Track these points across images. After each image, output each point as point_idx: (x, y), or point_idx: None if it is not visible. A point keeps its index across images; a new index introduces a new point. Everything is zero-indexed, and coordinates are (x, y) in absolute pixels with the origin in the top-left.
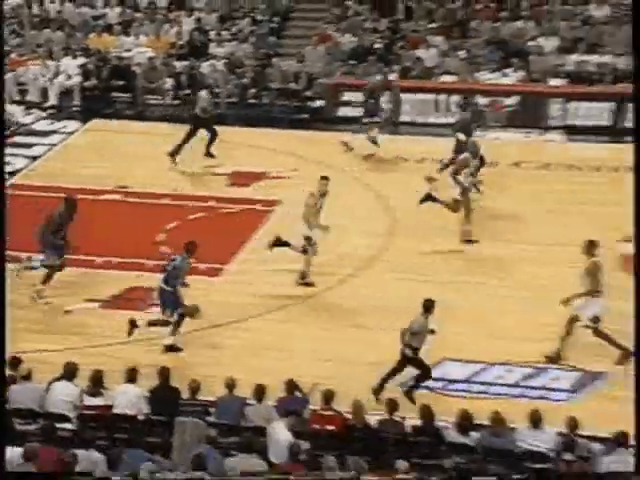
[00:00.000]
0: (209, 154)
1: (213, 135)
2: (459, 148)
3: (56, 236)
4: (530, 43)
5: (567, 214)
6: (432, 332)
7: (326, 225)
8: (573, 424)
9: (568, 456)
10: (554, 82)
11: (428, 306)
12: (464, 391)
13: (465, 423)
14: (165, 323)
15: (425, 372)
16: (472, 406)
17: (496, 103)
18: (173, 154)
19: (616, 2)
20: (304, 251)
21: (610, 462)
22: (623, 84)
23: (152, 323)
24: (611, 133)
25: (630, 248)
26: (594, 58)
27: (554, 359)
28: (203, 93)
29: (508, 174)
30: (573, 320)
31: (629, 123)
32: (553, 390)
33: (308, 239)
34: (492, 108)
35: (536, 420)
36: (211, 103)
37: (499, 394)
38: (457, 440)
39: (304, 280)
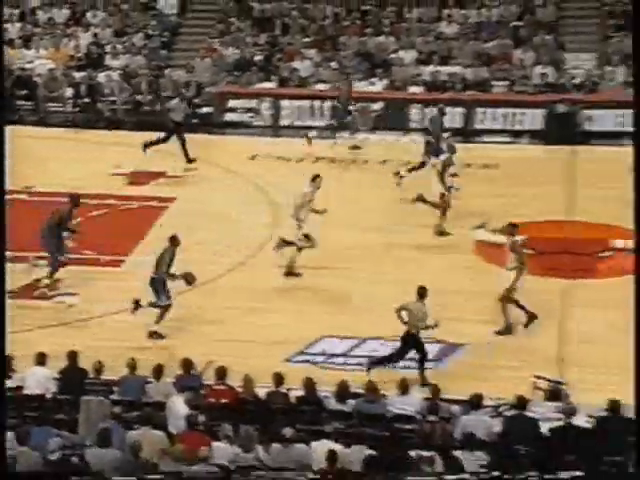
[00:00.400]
0: (148, 146)
1: (165, 139)
2: (428, 150)
3: (58, 233)
4: (392, 55)
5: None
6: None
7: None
8: (436, 390)
9: (432, 417)
10: (413, 89)
11: (422, 293)
12: (342, 364)
13: (343, 392)
14: (165, 307)
15: (398, 355)
16: (349, 377)
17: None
18: (188, 160)
19: (463, 21)
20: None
21: (467, 421)
22: (471, 91)
23: (152, 304)
24: (462, 134)
25: (483, 234)
26: (446, 69)
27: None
28: (176, 101)
29: (377, 171)
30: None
31: (478, 125)
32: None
33: (306, 235)
34: (361, 112)
35: (404, 387)
36: (183, 110)
37: None
38: (336, 408)
39: (291, 270)
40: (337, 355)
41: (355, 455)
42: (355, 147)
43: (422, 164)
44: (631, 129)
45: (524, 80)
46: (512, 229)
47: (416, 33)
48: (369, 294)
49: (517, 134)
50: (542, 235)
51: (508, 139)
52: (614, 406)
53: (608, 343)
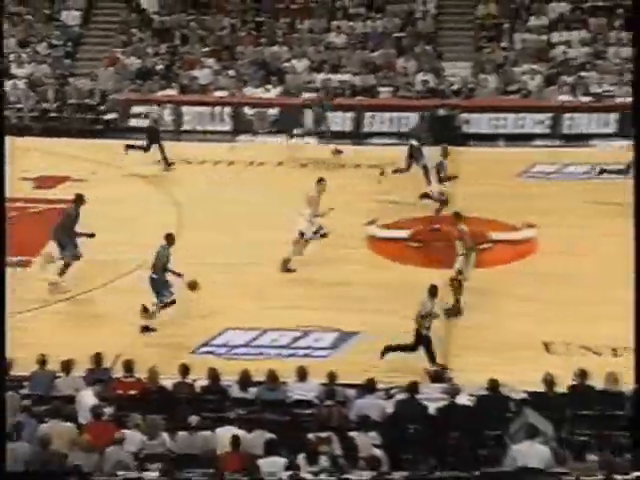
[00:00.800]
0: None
1: (149, 147)
2: (412, 153)
3: (71, 231)
4: (285, 64)
5: (328, 203)
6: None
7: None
8: (332, 376)
9: (329, 402)
10: (306, 96)
11: (433, 291)
12: (245, 354)
13: (245, 381)
14: (172, 303)
15: (431, 354)
16: (251, 366)
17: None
18: (167, 163)
19: (350, 32)
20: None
21: (362, 404)
22: (360, 97)
23: (162, 307)
24: (353, 137)
25: (374, 230)
26: (337, 76)
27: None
28: (156, 109)
29: (273, 171)
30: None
31: (367, 128)
32: (316, 349)
33: (320, 229)
34: (259, 117)
35: (303, 374)
36: (162, 117)
37: (273, 355)
38: (239, 395)
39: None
40: (239, 346)
41: (257, 440)
42: (338, 151)
43: (408, 167)
44: (505, 131)
45: (407, 86)
46: (458, 218)
47: (308, 43)
48: (267, 285)
49: (403, 136)
50: (427, 229)
51: (395, 141)
52: (493, 385)
53: (488, 328)
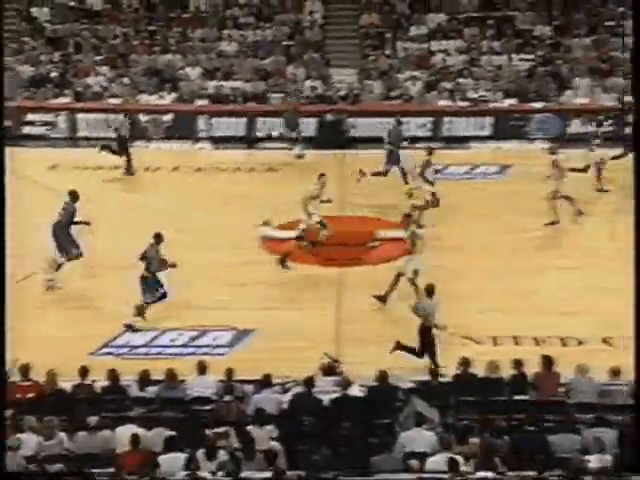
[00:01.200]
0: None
1: (122, 152)
2: (390, 157)
3: (69, 227)
4: (179, 71)
5: (223, 205)
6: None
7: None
8: (230, 372)
9: (228, 398)
10: (200, 102)
11: (430, 290)
12: (145, 354)
13: (145, 380)
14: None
15: (431, 347)
16: (151, 366)
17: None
18: (129, 172)
19: (242, 40)
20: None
21: (259, 398)
22: (251, 103)
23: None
24: (246, 141)
25: (267, 230)
26: (229, 83)
27: (382, 298)
28: (121, 117)
29: (168, 177)
30: (399, 275)
31: (259, 133)
32: (215, 347)
33: (320, 222)
34: (154, 123)
35: (201, 371)
36: (127, 125)
37: (173, 354)
38: (139, 394)
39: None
40: (139, 346)
41: (157, 437)
42: (299, 156)
43: (386, 172)
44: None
45: (297, 92)
46: (407, 219)
47: (200, 51)
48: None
49: (294, 140)
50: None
51: (286, 145)
52: (383, 375)
53: (377, 321)
